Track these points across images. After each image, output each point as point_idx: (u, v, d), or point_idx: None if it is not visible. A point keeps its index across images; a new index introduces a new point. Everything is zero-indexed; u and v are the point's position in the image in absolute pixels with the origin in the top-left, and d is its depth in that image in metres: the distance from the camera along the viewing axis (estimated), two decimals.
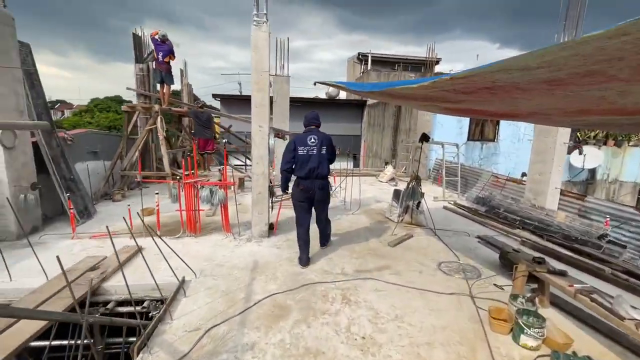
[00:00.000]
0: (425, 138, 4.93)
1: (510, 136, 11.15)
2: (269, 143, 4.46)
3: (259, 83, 4.33)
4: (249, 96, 4.40)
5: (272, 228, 4.97)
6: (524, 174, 6.87)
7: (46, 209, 5.11)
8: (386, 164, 13.86)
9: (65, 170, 5.13)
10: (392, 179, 10.10)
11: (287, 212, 6.09)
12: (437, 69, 17.06)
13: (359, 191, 7.45)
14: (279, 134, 4.58)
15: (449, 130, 10.69)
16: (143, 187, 7.14)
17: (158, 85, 8.03)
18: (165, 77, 7.85)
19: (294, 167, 3.84)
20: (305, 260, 3.90)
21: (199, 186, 4.51)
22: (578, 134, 13.35)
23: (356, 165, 17.28)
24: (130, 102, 8.74)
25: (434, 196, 7.77)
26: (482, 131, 11.20)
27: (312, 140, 3.84)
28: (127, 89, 8.35)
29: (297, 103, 10.86)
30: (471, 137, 11.09)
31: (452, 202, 7.38)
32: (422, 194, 5.46)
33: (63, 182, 4.98)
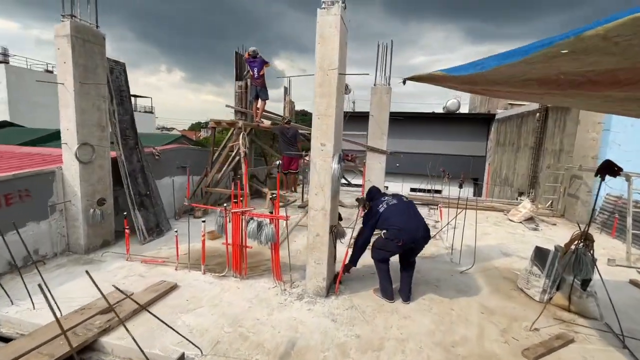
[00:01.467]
0: (610, 170, 2.72)
1: None
2: (333, 168, 3.19)
3: (323, 85, 3.15)
4: (355, 113, 3.34)
5: (335, 280, 3.62)
6: None
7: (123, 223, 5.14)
8: (520, 194, 10.62)
9: (142, 185, 5.08)
10: (530, 219, 7.28)
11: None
12: None
13: (476, 234, 5.29)
14: (348, 156, 3.29)
15: (633, 153, 7.11)
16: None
17: (254, 102, 7.92)
18: (260, 91, 7.65)
19: (381, 226, 3.37)
20: (391, 293, 3.43)
21: (246, 217, 3.59)
22: None
23: (477, 193, 14.15)
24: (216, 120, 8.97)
25: (608, 257, 4.90)
26: None
27: (384, 197, 3.53)
28: (227, 106, 8.53)
29: (398, 117, 9.29)
30: None
31: None
32: (595, 262, 3.12)
33: (137, 197, 4.90)
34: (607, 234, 6.52)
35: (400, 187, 14.29)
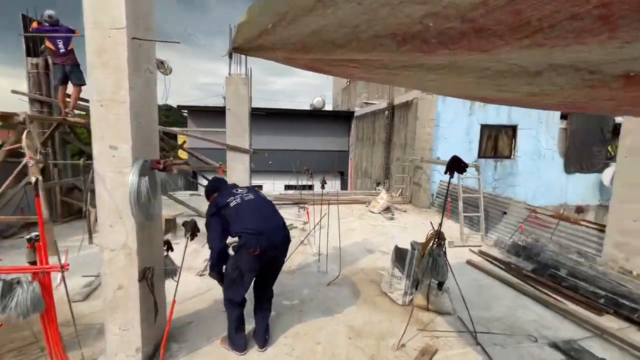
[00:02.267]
0: (457, 167, 2.66)
1: (530, 152, 9.03)
2: (131, 182, 2.09)
3: (104, 53, 2.00)
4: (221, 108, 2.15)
5: (157, 349, 2.52)
6: (580, 209, 4.67)
7: None
8: (377, 185, 11.62)
9: None
10: (387, 209, 7.80)
11: (187, 307, 3.50)
12: None
13: (340, 234, 4.97)
14: (159, 162, 2.22)
15: (455, 145, 8.53)
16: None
17: (61, 87, 5.68)
18: (71, 73, 5.48)
19: (231, 228, 2.50)
20: (242, 342, 2.62)
21: None
22: None
23: (344, 187, 15.03)
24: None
25: (448, 240, 5.43)
26: (495, 146, 9.08)
27: (236, 189, 2.71)
28: (13, 91, 5.92)
29: (259, 112, 8.64)
30: (482, 154, 8.94)
31: (477, 251, 5.09)
32: (445, 254, 3.08)
33: None
34: (441, 215, 7.55)
35: (272, 186, 13.78)
